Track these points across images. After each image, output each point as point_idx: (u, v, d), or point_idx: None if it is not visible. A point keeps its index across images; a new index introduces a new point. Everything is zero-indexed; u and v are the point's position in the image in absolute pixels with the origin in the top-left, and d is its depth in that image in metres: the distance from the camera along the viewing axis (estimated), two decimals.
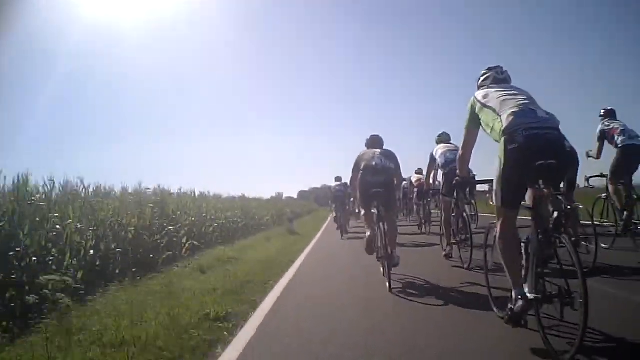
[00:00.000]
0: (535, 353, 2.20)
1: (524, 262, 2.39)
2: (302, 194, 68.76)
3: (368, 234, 4.50)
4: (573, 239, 3.95)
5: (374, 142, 4.96)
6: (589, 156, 5.35)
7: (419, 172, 10.91)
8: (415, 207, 11.21)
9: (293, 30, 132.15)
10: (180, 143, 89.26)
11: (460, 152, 3.08)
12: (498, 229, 2.45)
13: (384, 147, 4.88)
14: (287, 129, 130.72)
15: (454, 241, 5.13)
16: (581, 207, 4.37)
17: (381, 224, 4.33)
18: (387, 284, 4.02)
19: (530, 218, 2.37)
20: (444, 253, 5.42)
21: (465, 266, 4.68)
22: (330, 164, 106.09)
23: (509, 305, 2.38)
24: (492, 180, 2.65)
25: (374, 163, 4.49)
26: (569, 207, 4.18)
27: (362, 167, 4.56)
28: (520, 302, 2.26)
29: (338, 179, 11.85)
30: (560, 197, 4.12)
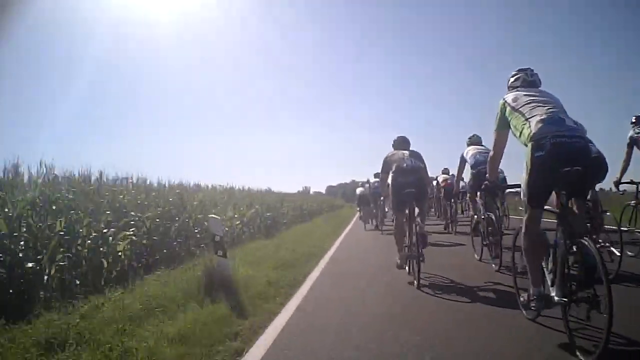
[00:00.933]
0: (561, 353, 2.29)
1: (551, 265, 2.46)
2: (329, 189, 69.12)
3: (399, 256, 4.77)
4: (598, 245, 3.97)
5: (402, 143, 5.09)
6: (618, 185, 5.15)
7: (445, 171, 11.10)
8: (442, 207, 11.38)
9: (324, 23, 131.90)
10: (205, 137, 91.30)
11: (490, 153, 3.16)
12: (523, 225, 2.59)
13: (411, 148, 5.02)
14: (317, 125, 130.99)
15: (484, 243, 5.19)
16: (608, 213, 4.35)
17: (413, 224, 4.44)
18: (416, 281, 4.15)
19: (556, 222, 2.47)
20: (475, 255, 5.49)
21: (496, 268, 4.71)
22: (359, 161, 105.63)
23: (523, 299, 2.62)
24: (520, 184, 2.77)
25: (404, 165, 4.63)
26: (595, 213, 4.20)
27: (393, 168, 4.70)
28: (537, 303, 2.43)
29: (377, 175, 11.95)
30: (588, 203, 4.19)
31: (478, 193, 5.36)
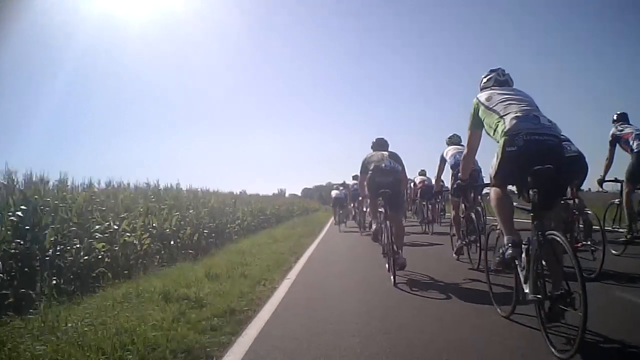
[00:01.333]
0: (536, 349, 2.28)
1: (524, 262, 2.45)
2: (305, 191, 68.94)
3: (374, 226, 5.16)
4: (583, 243, 4.11)
5: (380, 144, 5.23)
6: (602, 183, 5.34)
7: (422, 173, 11.43)
8: (417, 207, 11.66)
9: (299, 27, 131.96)
10: (178, 139, 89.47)
11: (464, 152, 3.20)
12: (491, 191, 2.70)
13: (389, 150, 5.15)
14: (292, 126, 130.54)
15: (464, 242, 5.22)
16: (590, 212, 4.33)
17: (388, 223, 4.52)
18: (392, 278, 4.22)
19: (530, 221, 2.46)
20: (454, 253, 5.52)
21: (475, 266, 4.72)
22: (335, 163, 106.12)
23: (500, 250, 2.61)
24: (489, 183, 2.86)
25: (383, 165, 4.76)
26: (575, 211, 4.27)
27: (371, 167, 4.81)
28: (510, 249, 2.46)
29: (356, 177, 12.30)
30: (569, 202, 4.27)
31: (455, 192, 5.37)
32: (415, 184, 11.76)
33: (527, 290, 2.40)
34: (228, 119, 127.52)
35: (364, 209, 11.84)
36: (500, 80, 2.96)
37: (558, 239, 2.23)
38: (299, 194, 63.73)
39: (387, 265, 4.72)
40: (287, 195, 41.86)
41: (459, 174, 3.56)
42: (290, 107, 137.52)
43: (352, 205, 13.28)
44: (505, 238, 2.54)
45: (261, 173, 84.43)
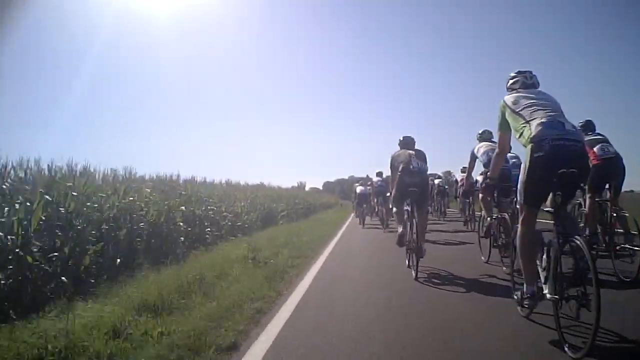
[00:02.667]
0: (551, 348, 2.42)
1: (545, 263, 2.59)
2: (327, 185, 69.24)
3: (400, 229, 5.25)
4: (621, 246, 4.16)
5: (407, 142, 5.49)
6: None
7: (464, 170, 11.69)
8: (461, 204, 12.12)
9: (325, 20, 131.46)
10: (198, 132, 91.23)
11: (496, 151, 3.35)
12: (519, 225, 2.74)
13: (416, 147, 5.41)
14: (316, 120, 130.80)
15: (495, 244, 5.11)
16: (627, 214, 4.34)
17: (414, 220, 4.86)
18: (414, 272, 4.55)
19: (552, 221, 2.60)
20: (482, 257, 5.41)
21: (507, 271, 4.50)
22: (357, 157, 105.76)
23: (521, 295, 2.70)
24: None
25: (411, 166, 5.05)
26: (614, 214, 4.30)
27: (400, 168, 5.10)
28: (529, 301, 2.57)
29: (379, 174, 12.91)
30: (607, 203, 4.32)
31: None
32: (457, 181, 12.35)
33: (546, 290, 2.54)
34: (251, 112, 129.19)
35: (390, 206, 12.18)
36: (527, 83, 3.04)
37: (578, 242, 2.35)
38: (320, 187, 64.02)
39: (407, 262, 5.11)
40: (307, 188, 41.64)
41: (489, 174, 3.66)
42: (316, 101, 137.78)
43: (374, 201, 13.41)
44: (526, 288, 2.63)
45: (283, 165, 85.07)
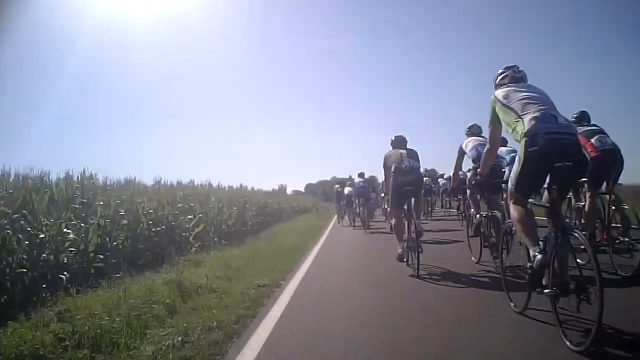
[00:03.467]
0: (551, 343, 2.40)
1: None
2: (309, 187, 69.08)
3: (400, 250, 5.35)
4: (620, 239, 4.11)
5: (399, 142, 5.59)
6: None
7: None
8: (457, 201, 12.58)
9: (300, 21, 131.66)
10: (177, 135, 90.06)
11: (486, 147, 3.33)
12: (512, 209, 2.73)
13: (408, 147, 5.52)
14: (295, 121, 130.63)
15: (485, 244, 5.01)
16: (627, 207, 4.26)
17: (412, 219, 5.03)
18: (415, 269, 4.69)
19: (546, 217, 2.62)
20: (472, 258, 5.27)
21: (498, 271, 4.29)
22: (338, 158, 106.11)
23: (528, 264, 2.59)
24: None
25: (403, 165, 5.18)
26: (613, 207, 4.30)
27: (392, 168, 5.25)
28: (538, 258, 2.44)
29: (361, 174, 13.01)
30: (606, 196, 4.29)
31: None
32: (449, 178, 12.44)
33: (543, 284, 2.51)
34: (230, 114, 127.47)
35: (385, 206, 12.76)
36: (516, 77, 3.06)
37: (577, 235, 2.35)
38: (302, 190, 63.78)
39: (405, 261, 5.24)
40: (289, 191, 41.02)
41: (478, 170, 3.64)
42: (294, 102, 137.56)
43: (356, 202, 13.43)
44: (531, 249, 2.57)
45: (264, 168, 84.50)
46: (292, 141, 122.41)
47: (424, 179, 13.03)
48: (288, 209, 22.72)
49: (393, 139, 5.68)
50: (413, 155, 5.33)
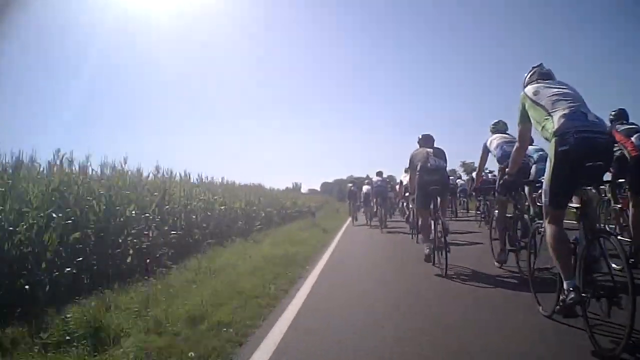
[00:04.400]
0: (580, 348, 2.40)
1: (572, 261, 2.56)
2: (325, 185, 69.02)
3: (427, 251, 5.36)
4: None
5: (426, 140, 5.63)
6: None
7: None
8: (477, 202, 12.43)
9: (319, 20, 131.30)
10: (193, 131, 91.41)
11: (516, 145, 3.31)
12: (547, 227, 2.67)
13: (435, 146, 5.54)
14: (313, 119, 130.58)
15: (510, 248, 4.72)
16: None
17: (438, 219, 5.10)
18: (444, 269, 4.73)
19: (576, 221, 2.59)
20: (495, 261, 4.98)
21: (526, 275, 4.04)
22: (355, 157, 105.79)
23: (561, 297, 2.59)
24: (541, 180, 2.92)
25: (429, 164, 5.22)
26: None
27: (418, 167, 5.29)
28: (572, 294, 2.42)
29: (379, 173, 13.05)
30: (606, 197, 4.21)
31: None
32: (473, 179, 12.53)
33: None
34: (246, 113, 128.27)
35: (410, 206, 12.56)
36: (543, 72, 3.05)
37: (610, 241, 2.35)
38: (318, 189, 63.81)
39: (432, 261, 5.25)
40: (305, 190, 40.85)
41: (507, 169, 3.54)
42: (313, 100, 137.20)
43: (374, 201, 13.44)
44: (566, 283, 2.53)
45: (281, 166, 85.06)
46: (310, 140, 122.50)
47: (450, 178, 12.96)
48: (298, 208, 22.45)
49: (420, 137, 5.71)
50: (440, 154, 5.35)
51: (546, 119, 2.65)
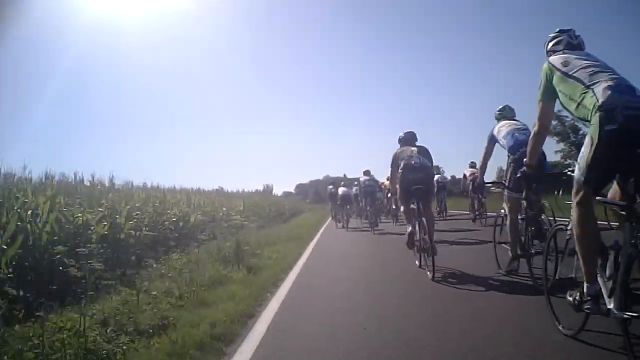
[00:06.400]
0: None
1: (610, 270, 2.19)
2: (300, 187, 68.43)
3: (409, 229, 5.29)
4: None
5: (408, 139, 5.56)
6: None
7: (472, 165, 12.08)
8: (470, 200, 12.15)
9: (291, 20, 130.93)
10: (159, 137, 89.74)
11: (534, 129, 2.84)
12: (575, 208, 2.29)
13: (418, 144, 5.49)
14: (285, 120, 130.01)
15: (522, 252, 4.18)
16: None
17: (423, 219, 4.94)
18: (429, 273, 4.57)
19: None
20: (504, 270, 4.45)
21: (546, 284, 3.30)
22: (331, 156, 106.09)
23: (576, 297, 2.32)
24: (567, 172, 2.61)
25: (413, 162, 5.12)
26: None
27: (401, 165, 5.16)
28: (590, 304, 2.19)
29: (367, 172, 12.67)
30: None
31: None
32: (465, 176, 12.25)
33: (610, 306, 2.12)
34: (217, 115, 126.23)
35: (393, 206, 12.76)
36: (572, 43, 2.68)
37: None
38: (293, 191, 63.12)
39: (417, 262, 5.26)
40: (278, 192, 39.87)
41: (525, 160, 3.02)
42: (284, 100, 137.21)
43: (363, 202, 13.19)
44: (587, 287, 2.23)
45: (252, 169, 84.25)
46: (282, 140, 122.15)
47: (437, 176, 12.73)
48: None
49: (402, 135, 5.64)
50: (424, 152, 5.29)
51: (584, 92, 2.23)
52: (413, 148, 5.30)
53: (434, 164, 5.98)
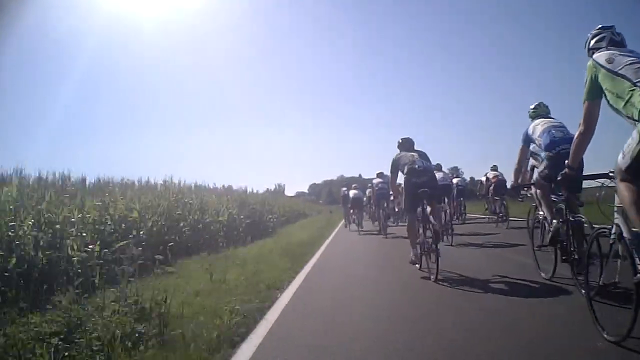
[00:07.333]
0: None
1: None
2: (313, 187, 68.56)
3: (412, 254, 5.56)
4: None
5: (408, 144, 5.77)
6: None
7: (494, 168, 12.34)
8: (492, 203, 12.17)
9: (305, 20, 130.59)
10: (175, 135, 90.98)
11: (580, 129, 2.76)
12: (620, 185, 2.26)
13: (416, 148, 5.69)
14: (303, 120, 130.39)
15: (564, 257, 3.97)
16: None
17: (428, 223, 5.05)
18: (433, 276, 4.67)
19: None
20: (542, 273, 4.42)
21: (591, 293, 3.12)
22: (346, 157, 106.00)
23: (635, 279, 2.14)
24: (608, 173, 2.55)
25: (416, 166, 5.29)
26: None
27: (405, 170, 5.33)
28: None
29: (380, 174, 12.25)
30: None
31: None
32: (487, 179, 12.34)
33: None
34: (234, 114, 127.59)
35: (396, 209, 13.00)
36: (615, 40, 2.65)
37: None
38: (306, 190, 63.14)
39: (418, 265, 5.40)
40: (290, 192, 39.50)
41: (567, 162, 2.94)
42: (300, 101, 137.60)
43: (375, 205, 13.02)
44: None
45: (266, 168, 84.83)
46: (297, 140, 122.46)
47: (456, 179, 12.60)
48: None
49: (400, 141, 5.87)
50: (424, 156, 5.53)
51: (632, 90, 2.20)
52: (413, 153, 5.52)
53: (454, 167, 6.34)
